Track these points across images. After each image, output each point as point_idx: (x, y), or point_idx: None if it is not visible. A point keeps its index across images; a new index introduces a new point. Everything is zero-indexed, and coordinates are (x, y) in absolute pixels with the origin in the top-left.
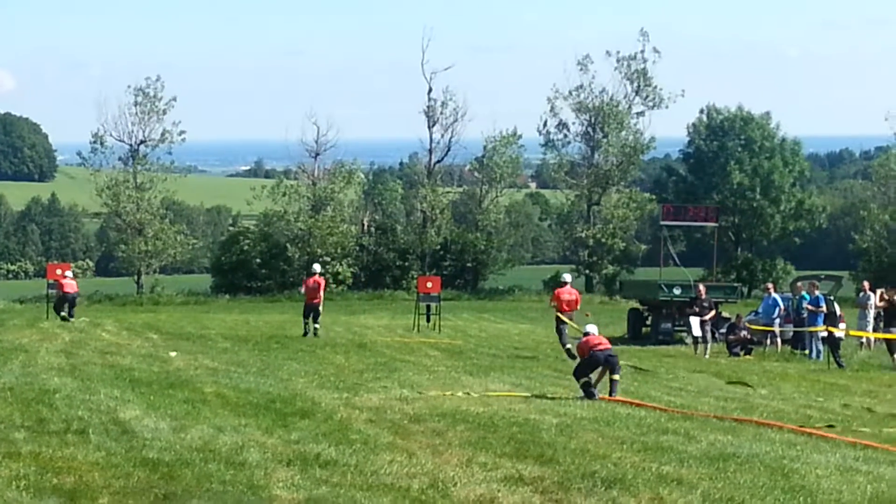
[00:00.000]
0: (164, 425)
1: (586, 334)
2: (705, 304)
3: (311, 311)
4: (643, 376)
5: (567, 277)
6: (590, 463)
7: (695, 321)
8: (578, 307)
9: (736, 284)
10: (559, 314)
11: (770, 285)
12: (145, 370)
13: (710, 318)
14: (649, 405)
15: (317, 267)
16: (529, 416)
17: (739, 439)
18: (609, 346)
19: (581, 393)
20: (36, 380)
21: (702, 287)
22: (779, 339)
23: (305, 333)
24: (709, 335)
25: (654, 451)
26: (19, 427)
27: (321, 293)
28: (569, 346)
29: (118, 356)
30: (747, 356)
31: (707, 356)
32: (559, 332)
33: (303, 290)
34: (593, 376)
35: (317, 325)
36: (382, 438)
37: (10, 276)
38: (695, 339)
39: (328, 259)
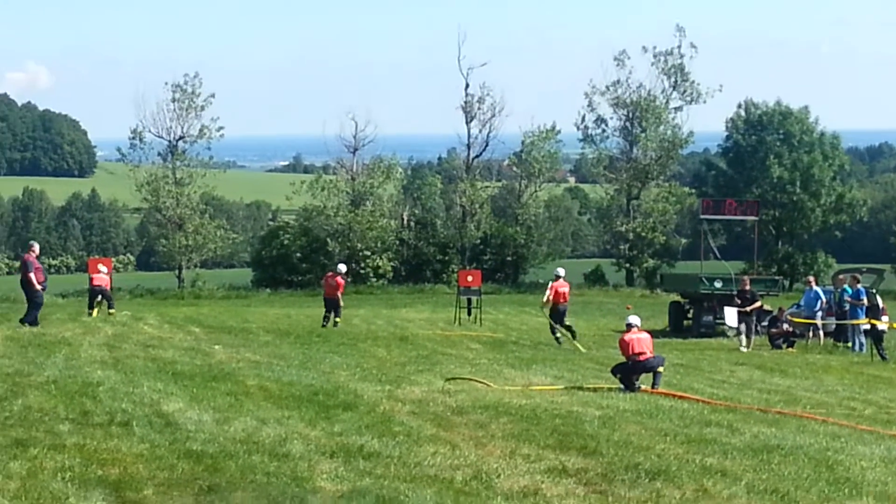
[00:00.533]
0: (208, 417)
1: (629, 326)
2: (748, 296)
3: (330, 306)
4: (686, 369)
5: (561, 272)
6: (633, 455)
7: (730, 311)
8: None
9: (777, 278)
10: (548, 311)
11: (811, 278)
12: (188, 363)
13: (753, 310)
14: (692, 397)
15: (342, 267)
16: (572, 409)
17: (783, 431)
18: (650, 354)
19: (621, 385)
20: (79, 373)
21: (746, 279)
22: (821, 332)
23: (324, 325)
24: (752, 326)
25: (697, 442)
26: (64, 419)
27: (339, 292)
28: (558, 334)
29: (160, 349)
30: (790, 349)
31: (748, 348)
32: (553, 322)
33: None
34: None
35: (337, 319)
36: (425, 430)
37: (52, 270)
38: (734, 329)
39: (368, 253)
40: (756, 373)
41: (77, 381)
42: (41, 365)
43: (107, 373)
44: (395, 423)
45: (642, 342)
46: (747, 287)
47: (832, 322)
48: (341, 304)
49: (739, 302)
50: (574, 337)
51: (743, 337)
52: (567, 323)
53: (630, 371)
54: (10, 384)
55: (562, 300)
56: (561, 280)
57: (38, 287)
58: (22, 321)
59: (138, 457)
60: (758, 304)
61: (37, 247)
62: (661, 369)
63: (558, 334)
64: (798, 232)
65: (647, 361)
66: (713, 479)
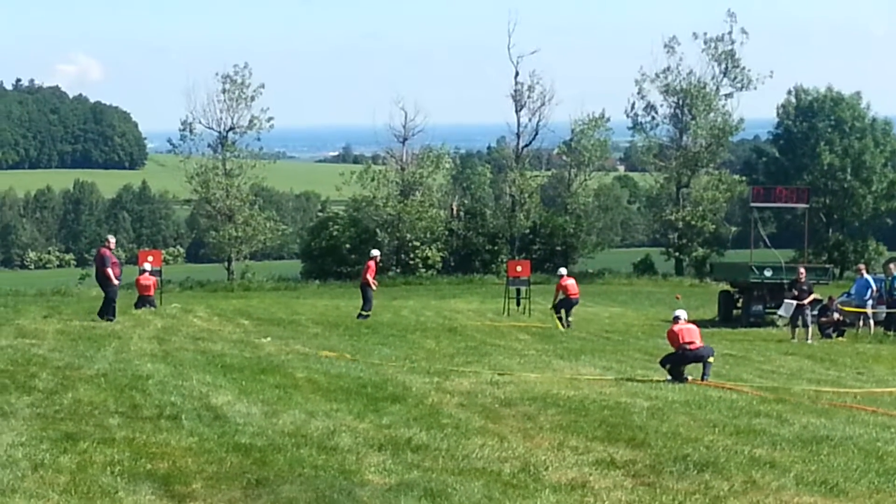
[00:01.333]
0: (256, 410)
1: (676, 319)
2: (804, 288)
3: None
4: (735, 359)
5: (563, 271)
6: (682, 446)
7: (787, 304)
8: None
9: (828, 266)
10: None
11: (862, 266)
12: (237, 356)
13: (809, 302)
14: (741, 388)
15: (373, 252)
16: (620, 400)
17: (832, 422)
18: (699, 344)
19: (669, 376)
20: (129, 366)
21: (802, 270)
22: (871, 321)
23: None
24: (809, 319)
25: (746, 434)
26: (113, 413)
27: (366, 276)
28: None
29: (210, 342)
30: (840, 338)
31: (810, 340)
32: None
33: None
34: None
35: (361, 311)
36: (473, 423)
37: None
38: (790, 322)
39: (417, 244)
40: (806, 363)
41: (127, 375)
42: (91, 358)
43: (156, 366)
44: (443, 415)
45: (691, 332)
46: (803, 279)
47: (883, 311)
48: (367, 292)
49: (796, 293)
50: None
51: (798, 329)
52: (566, 315)
53: (680, 361)
54: (60, 377)
55: (573, 294)
56: (565, 276)
57: (115, 281)
58: (100, 315)
59: (187, 450)
60: (812, 296)
61: (113, 240)
62: (710, 360)
63: (567, 319)
64: (849, 219)
65: (697, 350)
66: (762, 470)
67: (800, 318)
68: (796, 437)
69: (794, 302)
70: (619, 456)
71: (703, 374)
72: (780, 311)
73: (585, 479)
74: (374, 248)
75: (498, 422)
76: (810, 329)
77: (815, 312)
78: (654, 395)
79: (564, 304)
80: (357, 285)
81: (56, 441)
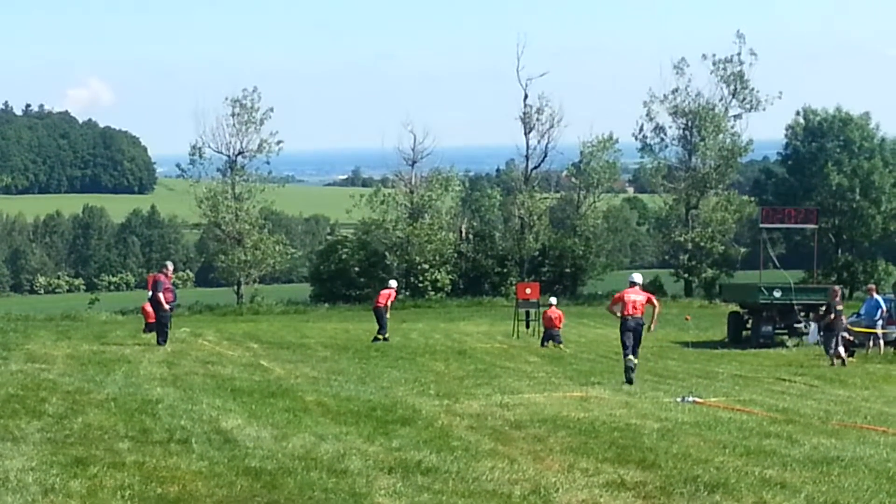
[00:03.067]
0: (266, 434)
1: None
2: (839, 309)
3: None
4: (745, 380)
5: (552, 301)
6: (692, 467)
7: (813, 328)
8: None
9: (837, 287)
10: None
11: (872, 287)
12: (246, 379)
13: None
14: (747, 409)
15: (391, 283)
16: (630, 421)
17: (843, 442)
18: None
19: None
20: (139, 390)
21: (837, 289)
22: (881, 341)
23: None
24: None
25: (756, 454)
26: (123, 437)
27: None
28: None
29: (219, 366)
30: (850, 358)
31: (843, 361)
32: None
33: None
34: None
35: (377, 335)
36: (483, 445)
37: (112, 287)
38: (824, 345)
39: (426, 266)
40: (815, 383)
41: (136, 399)
42: (101, 382)
43: (166, 390)
44: (453, 437)
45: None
46: (837, 298)
47: (893, 331)
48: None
49: (833, 317)
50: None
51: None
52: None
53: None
54: (70, 402)
55: (550, 326)
56: (553, 307)
57: (167, 307)
58: (158, 342)
59: (197, 474)
60: (832, 317)
61: (171, 266)
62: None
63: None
64: (858, 240)
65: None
66: (772, 491)
67: (833, 340)
68: (807, 457)
69: (814, 324)
70: (629, 477)
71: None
72: (810, 338)
73: (596, 500)
74: (392, 279)
75: (508, 444)
76: (842, 350)
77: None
78: (663, 416)
79: (547, 336)
80: (369, 308)
81: (66, 466)
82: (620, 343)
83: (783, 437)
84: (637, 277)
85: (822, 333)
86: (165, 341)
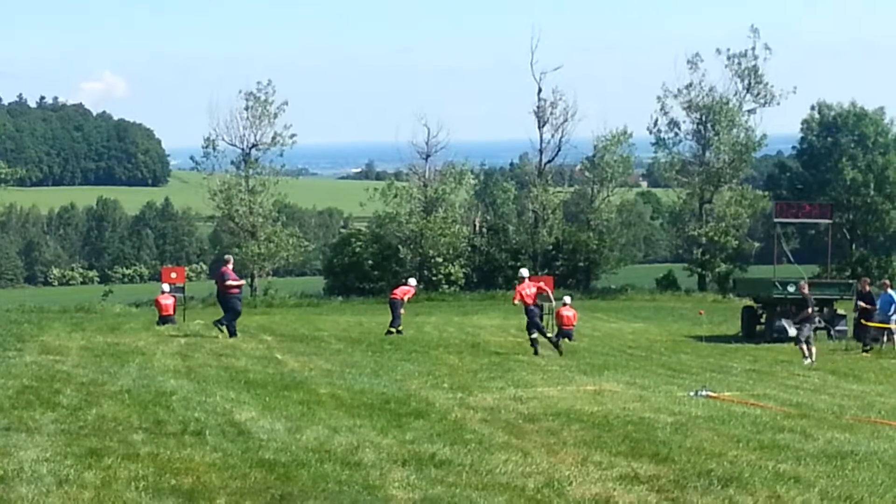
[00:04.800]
0: (280, 426)
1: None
2: (813, 302)
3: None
4: (759, 374)
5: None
6: (706, 461)
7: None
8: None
9: (851, 281)
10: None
11: (887, 282)
12: (260, 372)
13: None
14: (760, 404)
15: (411, 281)
16: (644, 415)
17: (857, 437)
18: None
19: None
20: (153, 382)
21: (802, 283)
22: None
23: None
24: (808, 333)
25: (770, 449)
26: (137, 429)
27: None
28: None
29: (233, 358)
30: (865, 354)
31: (811, 359)
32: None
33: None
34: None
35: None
36: (497, 438)
37: (126, 279)
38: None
39: (440, 260)
40: (829, 378)
41: (150, 391)
42: (115, 374)
43: (180, 382)
44: (466, 430)
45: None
46: (805, 291)
47: None
48: (397, 308)
49: (794, 309)
50: (550, 341)
51: (803, 345)
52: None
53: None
54: (84, 394)
55: (529, 302)
56: (526, 281)
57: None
58: (230, 334)
59: (211, 466)
60: (808, 310)
61: (231, 260)
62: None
63: (534, 335)
64: (872, 234)
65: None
66: (786, 485)
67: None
68: (821, 452)
69: (783, 321)
70: (643, 471)
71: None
72: (790, 333)
73: (609, 494)
74: (411, 277)
75: (521, 437)
76: (813, 348)
77: (840, 327)
78: (677, 410)
79: (560, 334)
80: (382, 302)
81: (80, 457)
82: (530, 325)
83: (797, 432)
84: (524, 272)
85: (797, 325)
86: (234, 334)
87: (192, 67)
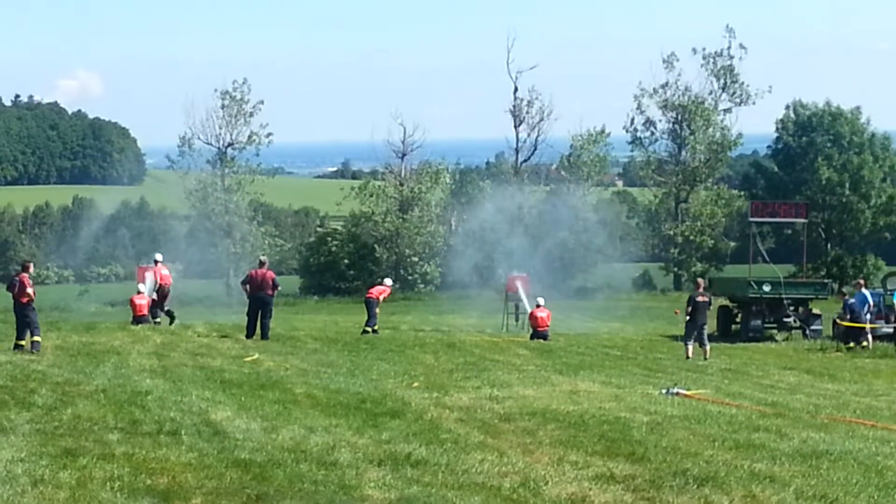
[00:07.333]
0: (256, 426)
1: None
2: (699, 301)
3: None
4: (734, 374)
5: (540, 301)
6: (681, 461)
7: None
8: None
9: (826, 281)
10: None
11: (861, 281)
12: (236, 371)
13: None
14: (736, 403)
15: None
16: (620, 415)
17: (832, 436)
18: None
19: None
20: (128, 381)
21: (699, 281)
22: (870, 336)
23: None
24: (705, 337)
25: (745, 448)
26: (113, 429)
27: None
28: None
29: (209, 357)
30: (837, 353)
31: (706, 359)
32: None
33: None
34: None
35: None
36: (473, 438)
37: (101, 279)
38: (688, 342)
39: (416, 259)
40: (805, 377)
41: (126, 391)
42: (90, 374)
43: (155, 381)
44: (442, 430)
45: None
46: (700, 289)
47: (882, 325)
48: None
49: (690, 309)
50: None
51: (692, 345)
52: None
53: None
54: (59, 393)
55: (539, 326)
56: (540, 307)
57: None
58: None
59: (187, 466)
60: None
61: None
62: None
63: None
64: (848, 234)
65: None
66: (762, 484)
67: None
68: (796, 451)
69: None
70: (618, 470)
71: None
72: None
73: (585, 493)
74: (387, 277)
75: (497, 437)
76: (707, 347)
77: (816, 326)
78: (653, 409)
79: (535, 336)
80: (358, 301)
81: (56, 457)
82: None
83: (772, 431)
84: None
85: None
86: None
87: (167, 66)
